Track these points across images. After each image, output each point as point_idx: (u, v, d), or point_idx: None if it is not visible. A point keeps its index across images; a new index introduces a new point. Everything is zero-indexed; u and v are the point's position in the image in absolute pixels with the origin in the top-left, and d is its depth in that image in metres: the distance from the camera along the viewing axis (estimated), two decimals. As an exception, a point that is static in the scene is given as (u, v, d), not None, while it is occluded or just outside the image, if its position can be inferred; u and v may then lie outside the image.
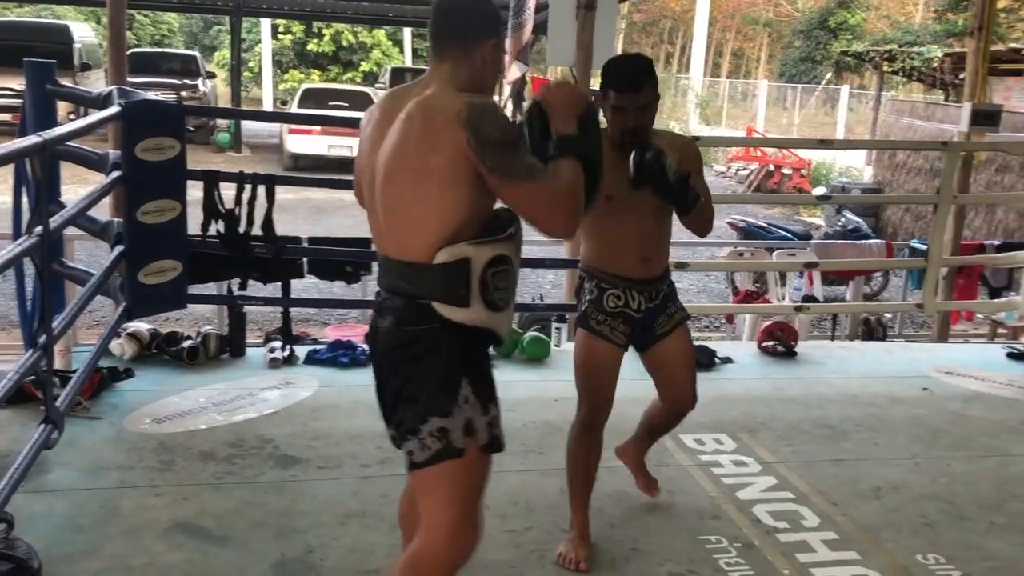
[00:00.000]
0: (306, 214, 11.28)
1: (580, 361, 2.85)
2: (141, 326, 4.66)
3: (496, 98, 2.23)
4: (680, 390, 2.95)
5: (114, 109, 3.95)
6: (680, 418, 3.08)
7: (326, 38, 27.55)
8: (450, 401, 1.95)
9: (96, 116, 3.85)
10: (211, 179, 4.42)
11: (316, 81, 25.06)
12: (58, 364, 4.14)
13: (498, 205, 2.02)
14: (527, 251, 7.94)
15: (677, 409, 3.02)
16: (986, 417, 4.39)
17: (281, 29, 26.38)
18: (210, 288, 5.09)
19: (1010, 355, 5.45)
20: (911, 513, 3.32)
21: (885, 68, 18.43)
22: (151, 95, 4.59)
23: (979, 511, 3.36)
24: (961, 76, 12.38)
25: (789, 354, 5.23)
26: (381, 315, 2.06)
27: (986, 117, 5.89)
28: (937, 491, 3.52)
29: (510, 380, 4.62)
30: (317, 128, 14.81)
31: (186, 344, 4.57)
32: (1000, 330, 7.03)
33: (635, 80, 2.64)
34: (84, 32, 18.32)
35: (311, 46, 27.49)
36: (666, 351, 2.88)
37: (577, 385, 2.86)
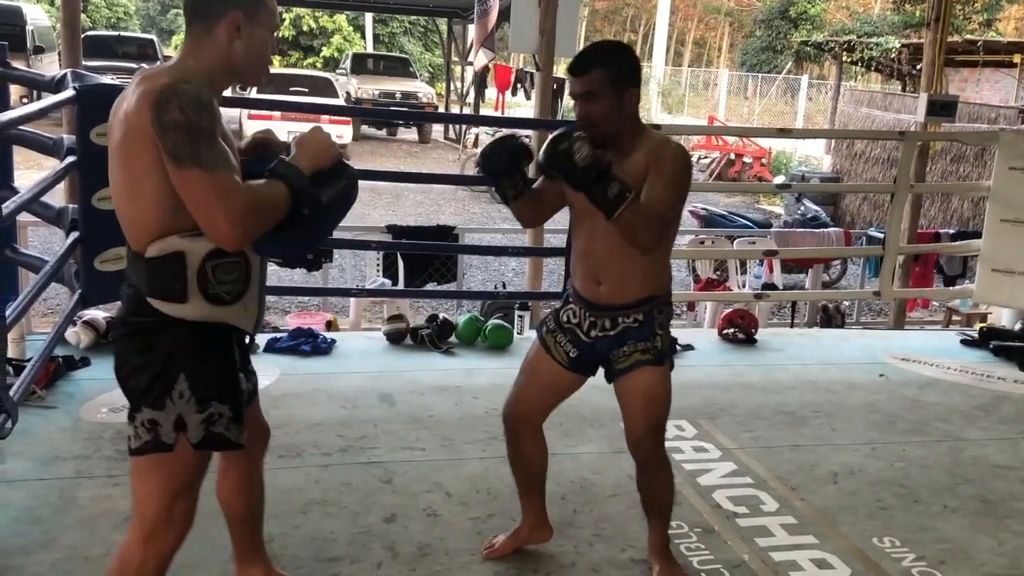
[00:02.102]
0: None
1: (524, 359, 2.72)
2: (97, 314, 4.59)
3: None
4: (629, 434, 2.59)
5: (68, 93, 3.87)
6: (642, 470, 2.63)
7: (286, 23, 27.18)
8: (163, 395, 1.90)
9: (50, 100, 3.78)
10: (169, 165, 4.35)
11: (276, 66, 24.69)
12: (12, 353, 4.07)
13: None
14: (490, 239, 7.91)
15: (633, 455, 2.62)
16: (940, 403, 4.47)
17: (241, 13, 26.02)
18: (168, 275, 5.00)
19: (964, 342, 5.56)
20: (867, 497, 3.38)
21: (844, 58, 18.62)
22: (107, 79, 4.49)
23: (932, 495, 3.43)
24: (918, 67, 12.56)
25: (749, 341, 5.28)
26: (121, 302, 2.00)
27: (942, 107, 5.97)
28: (892, 475, 3.58)
29: (473, 368, 4.62)
30: (277, 114, 14.63)
31: (144, 332, 4.50)
32: (955, 317, 7.16)
33: (579, 63, 2.36)
34: (37, 14, 17.91)
35: (271, 31, 27.12)
36: (620, 390, 2.55)
37: None
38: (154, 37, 20.90)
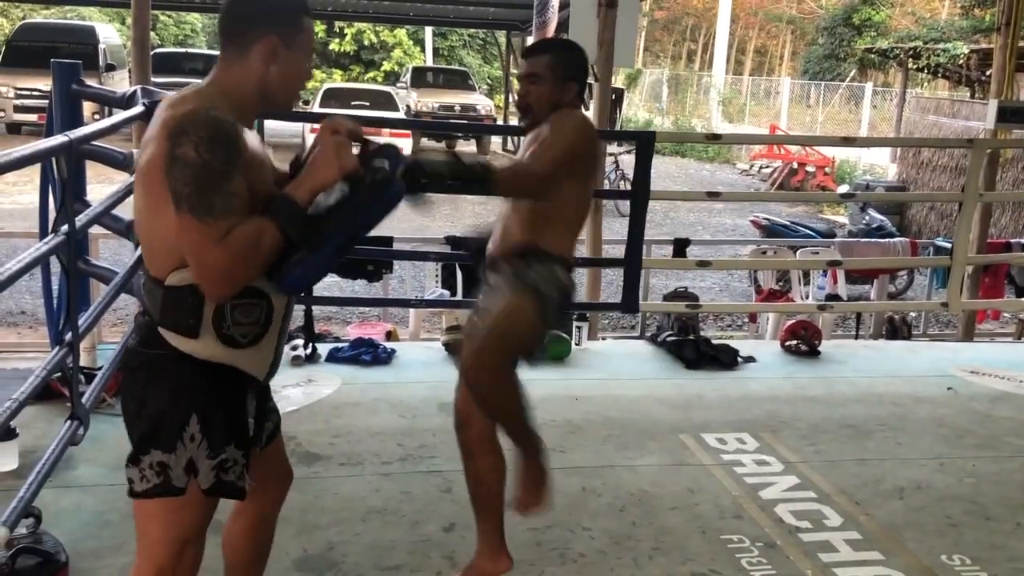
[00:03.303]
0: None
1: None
2: (165, 324, 4.69)
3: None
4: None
5: (138, 109, 3.97)
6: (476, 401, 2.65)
7: (348, 37, 27.67)
8: (174, 436, 1.77)
9: (121, 116, 3.88)
10: (234, 178, 4.44)
11: (338, 80, 25.20)
12: (84, 361, 4.17)
13: None
14: (548, 249, 7.71)
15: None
16: (1013, 417, 4.34)
17: (303, 29, 26.52)
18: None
19: (1037, 354, 5.40)
20: (935, 513, 3.29)
21: (910, 65, 18.25)
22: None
23: (1005, 512, 3.33)
24: (987, 73, 12.26)
25: (812, 353, 5.19)
26: (135, 331, 1.87)
27: (1013, 114, 5.82)
28: (962, 491, 3.48)
29: (531, 379, 4.61)
30: (339, 127, 14.88)
31: (210, 342, 4.59)
32: (1027, 329, 6.96)
33: (531, 48, 2.66)
34: (109, 33, 18.50)
35: (333, 45, 27.62)
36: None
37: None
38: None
